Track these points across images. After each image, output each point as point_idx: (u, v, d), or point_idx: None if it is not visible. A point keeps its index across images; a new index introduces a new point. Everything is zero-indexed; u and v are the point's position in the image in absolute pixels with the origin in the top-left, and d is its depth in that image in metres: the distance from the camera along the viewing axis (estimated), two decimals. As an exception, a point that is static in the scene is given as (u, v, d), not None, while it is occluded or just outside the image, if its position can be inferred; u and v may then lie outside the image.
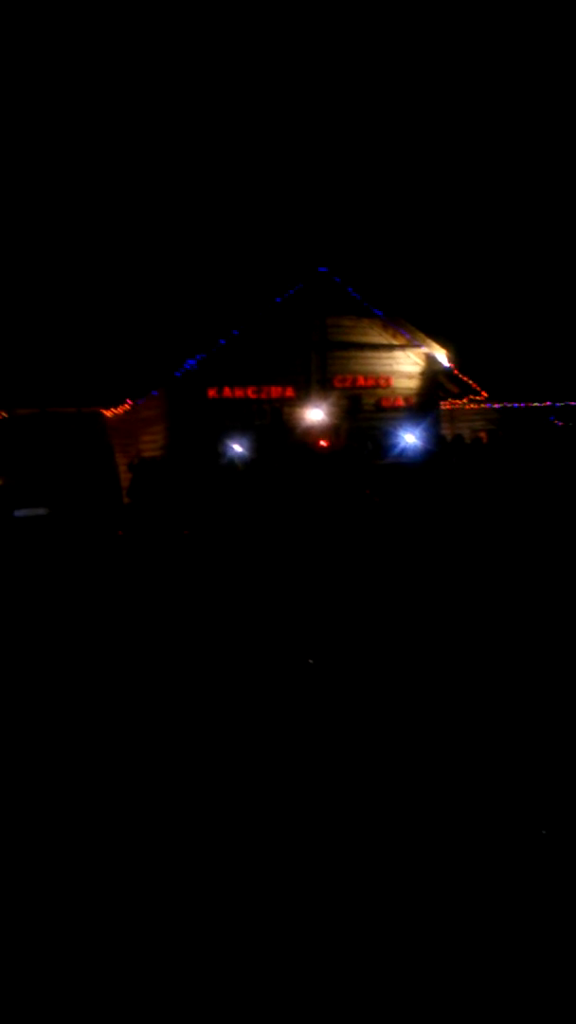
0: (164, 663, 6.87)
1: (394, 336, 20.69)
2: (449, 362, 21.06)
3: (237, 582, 11.15)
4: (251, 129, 35.12)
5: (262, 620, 8.24)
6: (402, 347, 20.71)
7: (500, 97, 38.01)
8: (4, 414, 14.30)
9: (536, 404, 22.58)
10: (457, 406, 23.05)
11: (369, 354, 20.48)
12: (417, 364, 20.95)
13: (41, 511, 12.11)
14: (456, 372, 21.32)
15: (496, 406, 23.56)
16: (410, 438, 17.89)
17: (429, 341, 20.82)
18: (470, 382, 21.70)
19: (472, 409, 23.45)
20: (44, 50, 33.41)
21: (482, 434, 21.15)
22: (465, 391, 21.98)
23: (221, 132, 35.37)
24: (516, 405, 23.05)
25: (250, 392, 19.22)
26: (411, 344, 20.72)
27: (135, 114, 34.92)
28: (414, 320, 20.75)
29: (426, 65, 38.49)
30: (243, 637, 7.60)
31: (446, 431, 21.76)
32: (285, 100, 35.28)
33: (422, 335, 20.75)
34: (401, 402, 20.76)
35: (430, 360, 20.98)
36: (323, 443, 15.61)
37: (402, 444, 17.77)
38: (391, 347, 20.64)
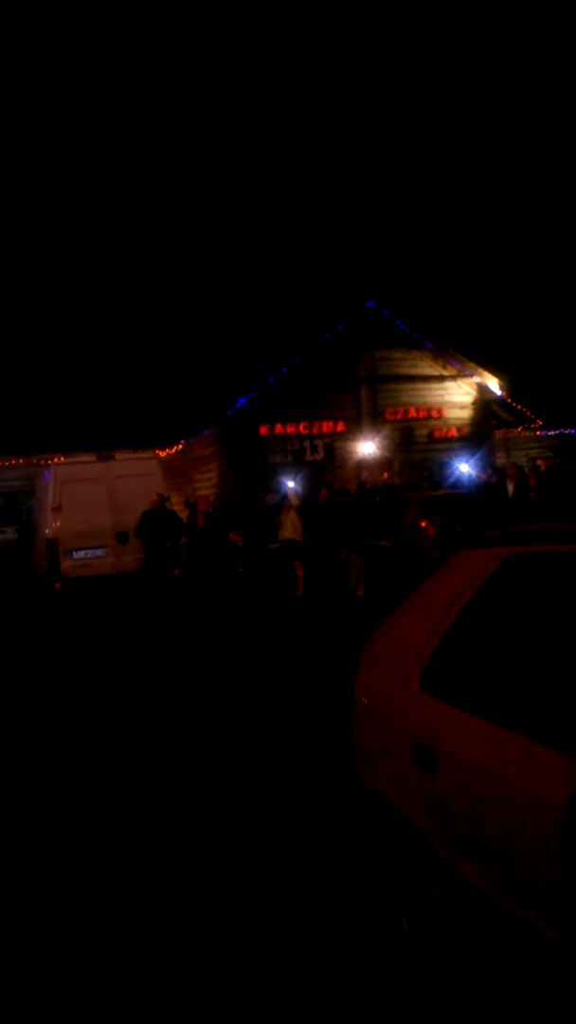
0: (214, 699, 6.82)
1: (444, 367, 20.61)
2: (501, 390, 20.86)
3: (290, 621, 11.07)
4: (298, 172, 35.79)
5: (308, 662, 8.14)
6: (453, 377, 20.60)
7: (551, 127, 38.02)
8: (62, 458, 14.58)
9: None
10: (512, 434, 22.79)
11: (420, 386, 20.43)
12: (469, 394, 20.81)
13: (100, 552, 12.27)
14: (509, 400, 21.10)
15: (552, 433, 23.20)
16: (465, 468, 17.70)
17: (480, 370, 20.68)
18: (524, 410, 21.43)
19: (527, 436, 23.14)
20: (92, 110, 34.74)
21: (540, 462, 20.80)
22: (519, 419, 21.72)
23: (270, 176, 36.11)
24: (573, 431, 22.64)
25: (301, 428, 19.32)
26: (462, 374, 20.61)
27: (188, 160, 35.96)
28: (464, 350, 20.66)
29: (471, 97, 38.84)
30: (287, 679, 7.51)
31: (501, 460, 21.48)
32: (329, 140, 35.91)
33: (473, 364, 20.63)
34: (454, 432, 20.60)
35: (482, 389, 20.82)
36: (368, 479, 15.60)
37: (457, 474, 17.58)
38: (442, 378, 20.56)
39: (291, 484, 15.89)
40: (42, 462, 15.03)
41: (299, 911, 3.42)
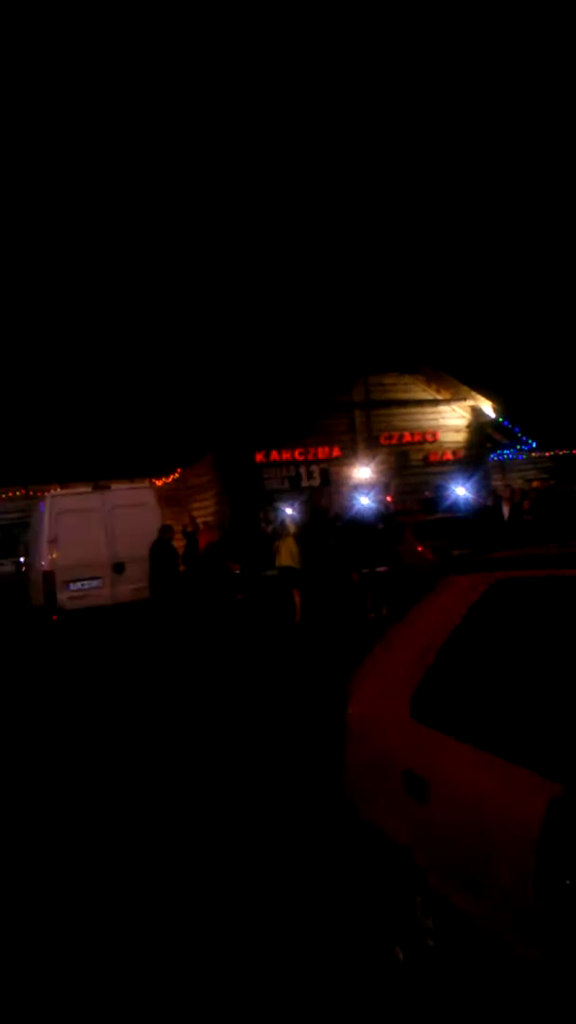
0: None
1: (438, 391, 20.75)
2: (495, 413, 20.98)
3: (291, 647, 11.04)
4: (291, 199, 36.27)
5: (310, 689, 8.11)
6: (446, 401, 20.74)
7: (544, 150, 38.64)
8: (59, 488, 14.61)
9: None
10: (507, 457, 22.89)
11: (414, 410, 20.55)
12: (463, 417, 20.92)
13: (96, 583, 12.25)
14: (503, 423, 21.21)
15: (547, 454, 23.30)
16: (460, 491, 17.75)
17: (474, 394, 20.82)
18: (518, 432, 21.55)
19: (523, 459, 23.24)
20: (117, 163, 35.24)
21: (535, 483, 20.87)
22: (514, 441, 21.83)
23: (264, 201, 36.61)
24: (568, 452, 22.73)
25: (297, 454, 19.41)
26: (456, 398, 20.74)
27: (181, 180, 36.46)
28: (457, 373, 20.81)
29: (462, 113, 39.50)
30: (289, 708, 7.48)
31: (497, 482, 21.55)
32: (322, 159, 36.50)
33: (466, 388, 20.77)
34: (449, 456, 20.69)
35: (476, 412, 20.94)
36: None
37: (452, 498, 17.63)
38: (435, 402, 20.68)
39: (288, 511, 15.93)
40: (39, 493, 15.07)
41: (292, 947, 3.39)
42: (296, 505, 16.58)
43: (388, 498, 18.08)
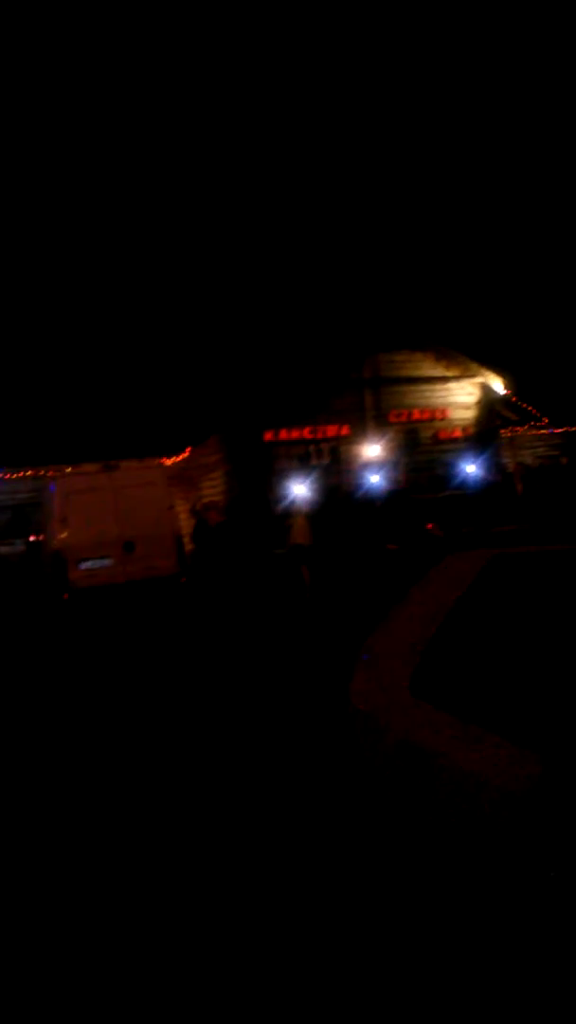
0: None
1: (447, 368, 20.61)
2: (506, 390, 20.85)
3: (301, 631, 11.09)
4: (299, 178, 35.93)
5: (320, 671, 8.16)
6: (456, 378, 20.60)
7: (552, 127, 37.97)
8: (69, 469, 14.65)
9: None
10: (518, 433, 22.77)
11: (423, 387, 20.44)
12: (473, 394, 20.80)
13: (106, 562, 12.34)
14: (514, 399, 21.09)
15: (558, 431, 23.17)
16: (471, 468, 17.71)
17: (484, 370, 20.67)
18: (529, 408, 21.43)
19: (533, 435, 23.12)
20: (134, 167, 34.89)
21: (544, 460, 20.79)
22: (525, 418, 21.71)
23: (269, 176, 36.25)
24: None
25: (306, 432, 19.36)
26: (465, 374, 20.61)
27: (188, 159, 36.19)
28: (467, 350, 20.67)
29: (473, 93, 38.89)
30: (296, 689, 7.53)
31: (508, 459, 21.47)
32: (330, 138, 36.07)
33: (476, 365, 20.63)
34: (459, 433, 20.60)
35: (486, 389, 20.81)
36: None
37: (463, 475, 17.61)
38: (445, 379, 20.55)
39: (299, 489, 15.95)
40: (50, 473, 15.12)
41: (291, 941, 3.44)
42: (306, 483, 16.60)
43: (400, 476, 18.08)
